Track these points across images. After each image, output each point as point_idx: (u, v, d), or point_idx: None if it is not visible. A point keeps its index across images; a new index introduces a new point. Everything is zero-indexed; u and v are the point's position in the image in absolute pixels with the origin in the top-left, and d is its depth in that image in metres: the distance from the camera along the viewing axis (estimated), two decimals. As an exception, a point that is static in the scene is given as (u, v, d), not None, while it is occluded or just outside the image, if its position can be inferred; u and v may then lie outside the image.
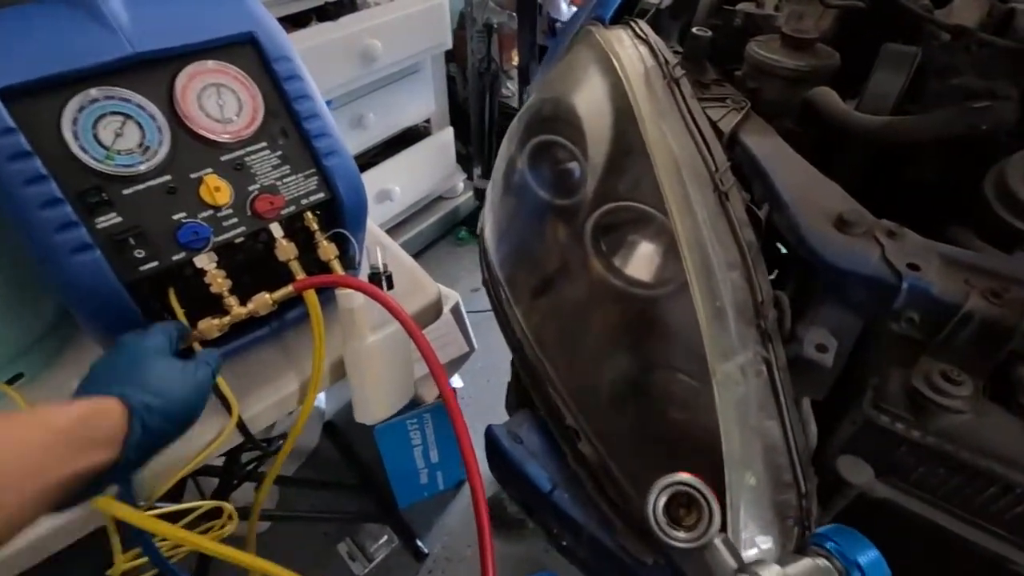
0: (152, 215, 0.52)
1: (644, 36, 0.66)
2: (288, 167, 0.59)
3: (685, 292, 0.49)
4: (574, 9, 2.19)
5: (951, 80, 0.56)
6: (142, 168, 0.51)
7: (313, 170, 0.61)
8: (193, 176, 0.54)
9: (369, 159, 1.77)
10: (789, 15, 0.73)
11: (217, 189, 0.54)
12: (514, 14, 1.94)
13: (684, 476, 0.39)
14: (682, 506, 0.39)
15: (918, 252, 0.46)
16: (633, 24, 0.68)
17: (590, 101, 0.63)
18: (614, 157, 0.58)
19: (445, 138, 1.93)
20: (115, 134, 0.50)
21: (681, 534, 0.37)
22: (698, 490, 0.38)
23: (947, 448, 0.44)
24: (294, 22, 1.32)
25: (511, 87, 2.06)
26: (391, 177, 1.76)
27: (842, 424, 0.51)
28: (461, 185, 2.17)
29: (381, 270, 0.70)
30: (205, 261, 0.55)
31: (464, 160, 2.17)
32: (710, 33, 0.66)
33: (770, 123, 0.61)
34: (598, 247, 0.59)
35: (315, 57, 1.31)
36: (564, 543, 0.56)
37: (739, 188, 0.54)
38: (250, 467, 1.02)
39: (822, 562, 0.32)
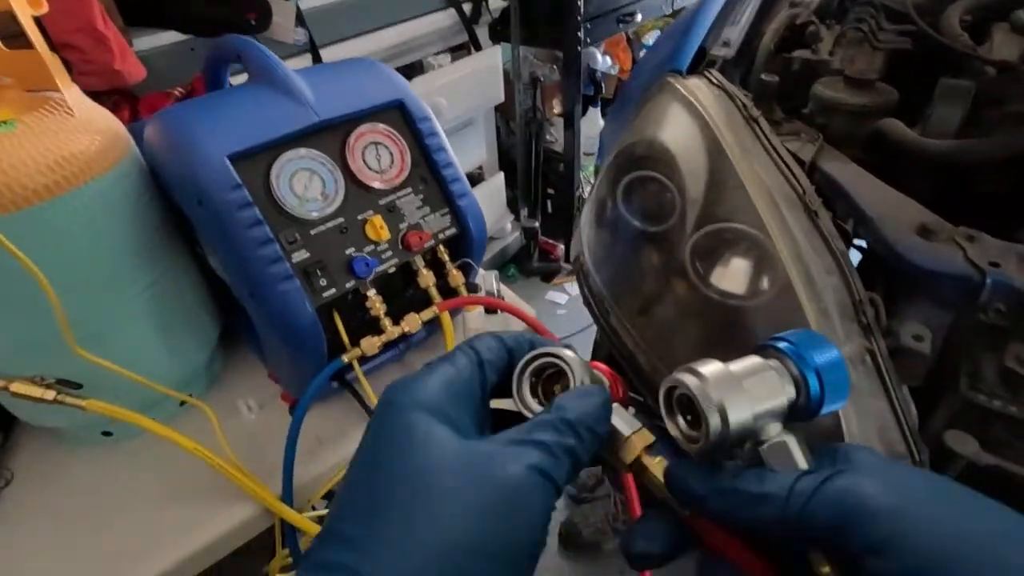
0: (331, 250, 0.62)
1: (719, 83, 0.76)
2: (428, 208, 0.70)
3: (792, 297, 0.57)
4: (608, 61, 2.35)
5: (1005, 108, 0.64)
6: (324, 212, 0.62)
7: (447, 209, 0.71)
8: (360, 218, 0.65)
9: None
10: (843, 59, 0.82)
11: (381, 228, 0.64)
12: (555, 67, 2.10)
13: (551, 348, 0.30)
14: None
15: (997, 252, 0.53)
16: (708, 74, 0.78)
17: (680, 140, 0.72)
18: (710, 188, 0.67)
19: (497, 183, 2.07)
20: (304, 186, 0.61)
21: (537, 406, 0.30)
22: (559, 357, 0.30)
23: (1044, 421, 0.50)
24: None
25: (554, 133, 2.20)
26: (451, 220, 1.89)
27: (938, 409, 0.58)
28: (509, 226, 2.30)
29: (496, 293, 0.80)
30: (367, 288, 0.65)
31: (511, 202, 2.30)
32: (777, 78, 0.76)
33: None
34: (695, 265, 0.68)
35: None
36: None
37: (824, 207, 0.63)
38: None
39: (774, 362, 0.27)
